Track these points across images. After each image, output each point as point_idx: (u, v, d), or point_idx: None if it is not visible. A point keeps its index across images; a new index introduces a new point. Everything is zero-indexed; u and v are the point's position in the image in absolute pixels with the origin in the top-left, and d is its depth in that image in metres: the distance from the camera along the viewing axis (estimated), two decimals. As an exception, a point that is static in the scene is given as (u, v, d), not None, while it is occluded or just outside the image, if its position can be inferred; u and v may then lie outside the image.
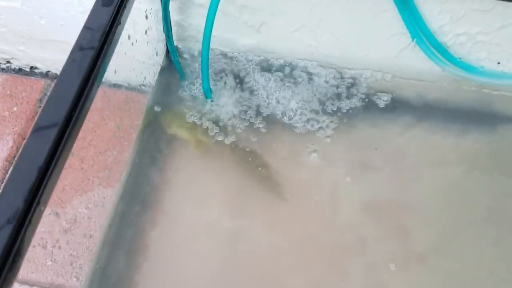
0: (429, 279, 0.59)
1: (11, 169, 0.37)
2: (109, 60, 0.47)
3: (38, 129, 0.38)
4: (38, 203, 0.38)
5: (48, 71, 0.86)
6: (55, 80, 0.85)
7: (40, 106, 0.82)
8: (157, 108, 0.71)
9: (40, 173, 0.37)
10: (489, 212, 0.65)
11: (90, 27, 0.45)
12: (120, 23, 0.49)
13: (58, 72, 0.85)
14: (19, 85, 0.84)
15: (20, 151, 0.37)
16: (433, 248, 0.61)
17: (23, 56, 0.83)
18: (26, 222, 0.37)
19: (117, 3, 0.47)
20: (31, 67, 0.86)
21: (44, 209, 0.40)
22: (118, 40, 0.49)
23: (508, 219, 0.64)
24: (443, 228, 0.63)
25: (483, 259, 0.61)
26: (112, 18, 0.46)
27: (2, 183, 0.74)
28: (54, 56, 0.82)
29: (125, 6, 0.50)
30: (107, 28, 0.45)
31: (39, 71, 0.86)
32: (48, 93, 0.41)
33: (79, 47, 0.43)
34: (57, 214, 0.70)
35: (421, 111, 0.72)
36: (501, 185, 0.67)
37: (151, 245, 0.61)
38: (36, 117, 0.39)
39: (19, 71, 0.86)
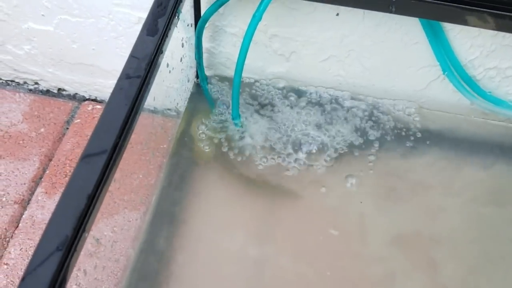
0: (459, 315, 0.59)
1: (60, 196, 0.37)
2: (151, 88, 0.48)
3: (87, 156, 0.39)
4: (83, 230, 0.38)
5: (76, 93, 0.87)
6: (83, 103, 0.86)
7: (67, 128, 0.82)
8: (186, 135, 0.71)
9: (89, 201, 0.37)
10: (518, 247, 0.64)
11: (136, 56, 0.46)
12: (162, 52, 0.50)
13: (86, 95, 0.86)
14: (47, 107, 0.85)
15: (70, 178, 0.38)
16: (461, 281, 0.61)
17: (52, 78, 0.85)
18: (72, 249, 0.37)
19: (161, 33, 0.48)
20: (59, 89, 0.87)
21: (87, 236, 0.40)
22: (159, 68, 0.50)
23: (538, 254, 0.64)
24: (471, 261, 0.63)
25: (514, 295, 0.60)
26: (156, 47, 0.47)
27: (28, 203, 0.74)
28: (83, 79, 0.84)
29: (167, 36, 0.51)
30: (153, 57, 0.46)
31: (67, 93, 0.87)
32: (98, 120, 0.42)
33: (125, 75, 0.44)
34: (97, 243, 0.70)
35: (449, 143, 0.72)
36: (530, 220, 0.67)
37: (176, 271, 0.61)
38: (86, 145, 0.39)
39: (47, 92, 0.87)
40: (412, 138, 0.72)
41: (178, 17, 0.55)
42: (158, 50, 0.48)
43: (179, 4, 0.54)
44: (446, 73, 0.67)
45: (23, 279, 0.33)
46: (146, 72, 0.45)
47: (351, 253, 0.63)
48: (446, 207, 0.67)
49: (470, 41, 0.64)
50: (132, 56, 0.45)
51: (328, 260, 0.62)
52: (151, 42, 0.47)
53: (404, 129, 0.73)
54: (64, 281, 0.36)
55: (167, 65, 0.56)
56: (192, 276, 0.61)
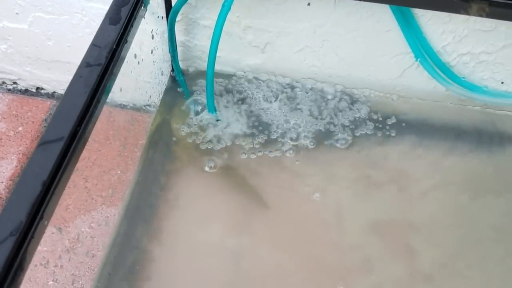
0: (436, 300, 0.58)
1: (16, 183, 0.37)
2: (115, 78, 0.48)
3: (43, 143, 0.38)
4: (41, 217, 0.38)
5: (54, 92, 0.87)
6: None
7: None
8: (161, 129, 0.71)
9: (44, 187, 0.37)
10: (496, 232, 0.64)
11: (97, 44, 0.46)
12: (126, 42, 0.50)
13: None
14: (25, 105, 0.84)
15: (26, 165, 0.37)
16: (439, 267, 0.60)
17: (30, 76, 0.84)
18: (29, 236, 0.36)
19: (124, 22, 0.48)
20: (37, 88, 0.87)
21: (47, 224, 0.40)
22: (124, 58, 0.50)
23: (514, 239, 0.64)
24: (448, 247, 0.62)
25: (491, 280, 0.60)
26: (119, 37, 0.47)
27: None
28: (61, 77, 0.83)
29: (132, 26, 0.51)
30: (114, 46, 0.46)
31: (45, 91, 0.86)
32: (55, 109, 0.41)
33: (86, 63, 0.44)
34: (60, 232, 0.69)
35: (425, 130, 0.72)
36: (507, 204, 0.66)
37: (154, 265, 0.61)
38: (43, 132, 0.39)
39: (25, 91, 0.87)
40: (388, 126, 0.72)
41: (145, 7, 0.55)
42: (122, 40, 0.48)
43: (146, -6, 0.54)
44: (418, 59, 0.67)
45: (-25, 265, 0.33)
46: (107, 61, 0.45)
47: (329, 241, 0.63)
48: (423, 194, 0.67)
49: (442, 27, 0.64)
50: (93, 44, 0.45)
51: (306, 249, 0.62)
52: (113, 30, 0.47)
53: (381, 117, 0.72)
54: (20, 267, 0.36)
55: (135, 56, 0.56)
56: (171, 268, 0.61)
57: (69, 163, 0.40)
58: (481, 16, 0.54)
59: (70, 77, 0.82)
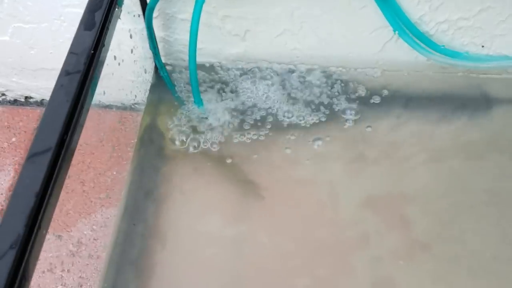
0: (434, 267, 0.60)
1: (9, 198, 0.38)
2: (96, 82, 0.49)
3: (32, 156, 0.39)
4: (39, 227, 0.39)
5: (43, 99, 0.87)
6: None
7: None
8: (150, 126, 0.72)
9: (37, 198, 0.38)
10: (488, 195, 0.65)
11: (74, 51, 0.46)
12: (104, 45, 0.50)
13: (53, 99, 0.87)
14: (16, 116, 0.85)
15: (17, 177, 0.38)
16: (435, 235, 0.62)
17: (17, 87, 0.85)
18: (29, 247, 0.37)
19: (99, 26, 0.48)
20: (26, 97, 0.87)
21: (46, 232, 0.41)
22: (104, 62, 0.51)
23: (507, 200, 0.65)
24: (443, 214, 0.64)
25: (486, 242, 0.61)
26: (95, 41, 0.48)
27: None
28: (47, 84, 0.84)
29: (108, 28, 0.51)
30: (92, 51, 0.47)
31: (34, 100, 0.87)
32: (40, 119, 0.42)
33: (65, 72, 0.44)
34: (62, 238, 0.71)
35: (411, 101, 0.73)
36: (498, 167, 0.68)
37: (157, 260, 0.62)
38: (30, 144, 0.40)
39: (14, 102, 0.87)
40: (374, 100, 0.73)
41: (119, 7, 0.55)
42: (99, 44, 0.49)
43: (119, -4, 0.55)
44: (397, 32, 0.67)
45: (-21, 280, 0.34)
46: (86, 67, 0.45)
47: (326, 220, 0.64)
48: (414, 165, 0.68)
49: (417, -3, 0.65)
50: (71, 52, 0.46)
51: (303, 229, 0.63)
52: (88, 36, 0.47)
53: (367, 93, 0.73)
54: (24, 277, 0.37)
55: (115, 57, 0.56)
56: (174, 262, 0.62)
57: (60, 172, 0.41)
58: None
59: (57, 84, 0.83)
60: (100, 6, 0.50)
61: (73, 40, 0.47)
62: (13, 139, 0.82)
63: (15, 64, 0.81)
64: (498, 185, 0.66)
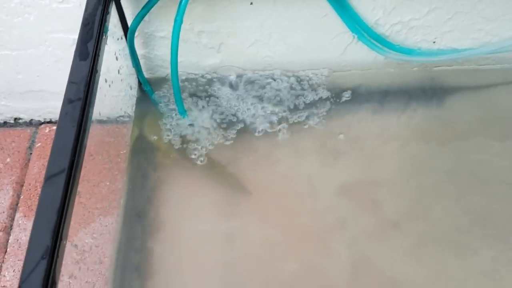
0: (404, 242, 0.67)
1: (34, 215, 0.44)
2: (93, 106, 0.54)
3: (50, 177, 0.45)
4: (61, 239, 0.45)
5: (32, 119, 0.92)
6: (40, 127, 0.91)
7: (31, 153, 0.88)
8: (139, 137, 0.78)
9: (59, 214, 0.44)
10: (447, 175, 0.73)
11: (73, 81, 0.52)
12: (97, 71, 0.56)
13: (41, 119, 0.92)
14: (7, 137, 0.89)
15: (39, 198, 0.44)
16: (403, 214, 0.70)
17: (6, 109, 0.89)
18: (55, 256, 0.43)
19: (92, 55, 0.54)
20: (15, 118, 0.91)
21: (66, 243, 0.47)
22: (97, 86, 0.56)
23: (464, 178, 0.73)
24: (409, 195, 0.72)
25: (448, 216, 0.69)
26: (90, 69, 0.53)
27: (11, 229, 0.80)
28: (35, 105, 0.88)
29: (99, 55, 0.57)
30: (88, 79, 0.52)
31: (23, 120, 0.91)
32: (52, 145, 0.48)
33: (68, 100, 0.50)
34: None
35: (374, 96, 0.81)
36: (454, 149, 0.76)
37: (158, 260, 0.68)
38: (46, 167, 0.46)
39: (4, 124, 0.91)
40: (342, 99, 0.80)
41: (106, 34, 0.61)
42: (93, 71, 0.54)
43: (104, 23, 0.60)
44: (356, 36, 0.75)
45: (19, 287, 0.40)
46: (85, 94, 0.51)
47: (307, 210, 0.71)
48: (381, 154, 0.75)
49: (372, 3, 0.72)
50: (71, 82, 0.51)
51: (288, 219, 0.70)
52: (84, 65, 0.53)
53: (335, 93, 0.81)
54: (54, 283, 0.43)
55: (105, 80, 0.62)
56: (174, 260, 0.68)
57: (73, 189, 0.47)
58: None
59: (44, 104, 0.88)
60: (91, 37, 0.56)
61: (70, 70, 0.53)
62: (8, 160, 0.87)
63: (3, 89, 0.85)
64: (455, 165, 0.74)
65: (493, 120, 0.79)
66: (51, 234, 0.43)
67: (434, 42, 0.80)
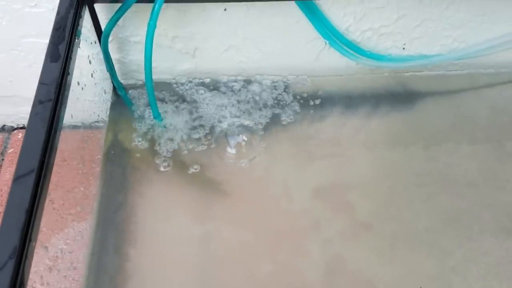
0: (377, 243, 0.69)
1: (2, 215, 0.43)
2: (65, 108, 0.54)
3: (18, 177, 0.45)
4: (30, 240, 0.44)
5: (4, 125, 0.90)
6: (12, 133, 0.90)
7: (2, 159, 0.86)
8: (113, 142, 0.78)
9: (28, 214, 0.43)
10: (417, 177, 0.75)
11: (44, 82, 0.52)
12: (69, 73, 0.56)
13: (13, 124, 0.90)
14: (-22, 143, 0.88)
15: (7, 197, 0.44)
16: (375, 215, 0.71)
17: (-23, 115, 0.88)
18: (24, 257, 0.43)
19: (64, 58, 0.54)
20: (-13, 124, 0.90)
21: (35, 245, 0.46)
22: (69, 88, 0.56)
23: (434, 180, 0.74)
24: (381, 197, 0.73)
25: (419, 217, 0.71)
26: (61, 71, 0.53)
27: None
28: (7, 110, 0.87)
29: (70, 58, 0.57)
30: (59, 81, 0.52)
31: (-5, 126, 0.90)
32: (21, 145, 0.48)
33: (38, 101, 0.50)
34: (38, 254, 0.75)
35: (345, 101, 0.82)
36: (424, 153, 0.77)
37: (133, 265, 0.68)
38: (15, 168, 0.46)
39: (-24, 130, 0.90)
40: (314, 104, 0.81)
41: (78, 38, 0.61)
42: (65, 73, 0.54)
43: (77, 26, 0.60)
44: (327, 42, 0.76)
45: (-16, 289, 0.40)
46: (56, 95, 0.51)
47: (281, 212, 0.71)
48: (353, 157, 0.76)
49: (342, 10, 0.74)
50: (41, 83, 0.51)
51: (263, 222, 0.71)
52: (55, 67, 0.53)
53: (307, 98, 0.82)
54: (22, 284, 0.43)
55: (78, 83, 0.62)
56: (148, 264, 0.67)
57: (42, 189, 0.47)
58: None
59: (17, 109, 0.87)
60: (62, 39, 0.56)
61: (41, 71, 0.53)
62: (-21, 166, 0.85)
63: (-26, 94, 0.84)
64: (425, 168, 0.76)
65: (462, 124, 0.81)
66: (19, 234, 0.42)
67: (403, 48, 0.82)
